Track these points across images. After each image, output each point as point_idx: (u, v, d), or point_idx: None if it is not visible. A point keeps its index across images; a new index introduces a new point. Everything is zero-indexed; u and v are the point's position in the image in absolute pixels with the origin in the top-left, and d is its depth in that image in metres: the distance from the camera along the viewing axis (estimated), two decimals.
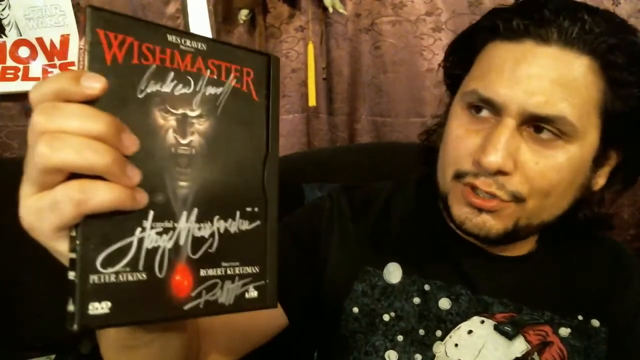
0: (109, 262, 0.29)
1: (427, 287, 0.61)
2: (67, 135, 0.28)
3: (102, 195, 0.29)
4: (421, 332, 0.59)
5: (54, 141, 0.28)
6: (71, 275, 0.29)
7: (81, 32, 0.28)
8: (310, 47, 1.24)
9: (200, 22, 1.30)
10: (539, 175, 0.53)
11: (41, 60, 1.31)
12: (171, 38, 0.32)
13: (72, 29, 1.28)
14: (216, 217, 0.34)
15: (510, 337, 0.58)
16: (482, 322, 0.59)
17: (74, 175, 0.29)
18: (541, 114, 0.51)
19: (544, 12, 0.52)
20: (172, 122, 0.32)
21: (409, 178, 0.73)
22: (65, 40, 1.29)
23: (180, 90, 0.33)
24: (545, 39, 0.52)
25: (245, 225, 0.36)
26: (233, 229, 0.35)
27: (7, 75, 1.31)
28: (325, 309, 0.64)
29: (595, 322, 0.61)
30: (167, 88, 0.32)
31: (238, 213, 0.35)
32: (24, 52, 1.31)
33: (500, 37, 0.55)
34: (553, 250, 0.65)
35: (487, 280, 0.61)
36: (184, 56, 0.33)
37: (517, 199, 0.54)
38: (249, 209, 0.36)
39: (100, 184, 0.29)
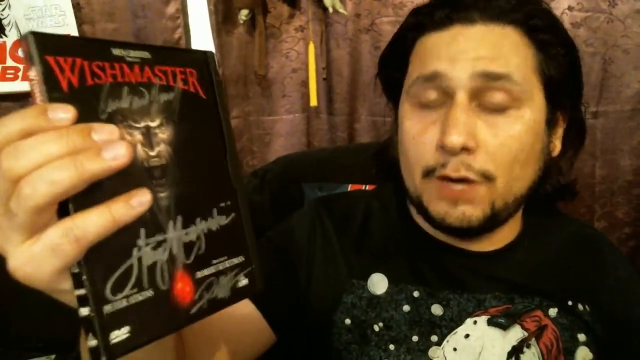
0: (117, 288, 0.30)
1: (416, 294, 0.61)
2: (44, 167, 0.27)
3: (98, 221, 0.28)
4: (414, 338, 0.59)
5: (33, 179, 0.27)
6: (84, 311, 0.29)
7: (26, 60, 0.28)
8: (311, 46, 1.24)
9: (200, 22, 1.30)
10: (500, 147, 0.54)
11: None
12: (117, 52, 0.32)
13: (72, 29, 1.28)
14: (198, 219, 0.35)
15: (504, 327, 0.59)
16: (475, 322, 0.59)
17: (61, 205, 0.29)
18: (489, 70, 0.54)
19: None
20: (138, 136, 0.32)
21: (386, 185, 0.73)
22: None
23: (137, 103, 0.33)
24: (470, 20, 0.56)
25: (224, 220, 0.37)
26: (214, 227, 0.37)
27: (7, 75, 1.31)
28: (314, 323, 0.63)
29: (581, 307, 0.62)
30: (125, 103, 0.32)
31: (215, 210, 0.37)
32: None
33: (428, 30, 0.59)
34: (533, 238, 0.66)
35: (475, 279, 0.62)
36: (132, 68, 0.33)
37: (487, 177, 0.55)
38: (223, 204, 0.37)
39: (91, 212, 0.28)
